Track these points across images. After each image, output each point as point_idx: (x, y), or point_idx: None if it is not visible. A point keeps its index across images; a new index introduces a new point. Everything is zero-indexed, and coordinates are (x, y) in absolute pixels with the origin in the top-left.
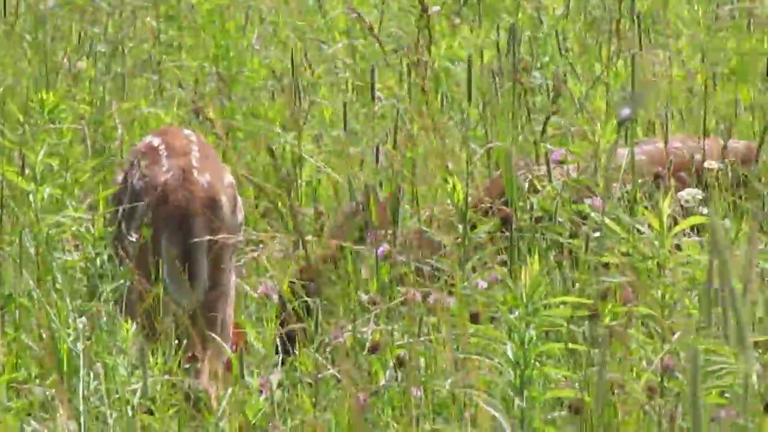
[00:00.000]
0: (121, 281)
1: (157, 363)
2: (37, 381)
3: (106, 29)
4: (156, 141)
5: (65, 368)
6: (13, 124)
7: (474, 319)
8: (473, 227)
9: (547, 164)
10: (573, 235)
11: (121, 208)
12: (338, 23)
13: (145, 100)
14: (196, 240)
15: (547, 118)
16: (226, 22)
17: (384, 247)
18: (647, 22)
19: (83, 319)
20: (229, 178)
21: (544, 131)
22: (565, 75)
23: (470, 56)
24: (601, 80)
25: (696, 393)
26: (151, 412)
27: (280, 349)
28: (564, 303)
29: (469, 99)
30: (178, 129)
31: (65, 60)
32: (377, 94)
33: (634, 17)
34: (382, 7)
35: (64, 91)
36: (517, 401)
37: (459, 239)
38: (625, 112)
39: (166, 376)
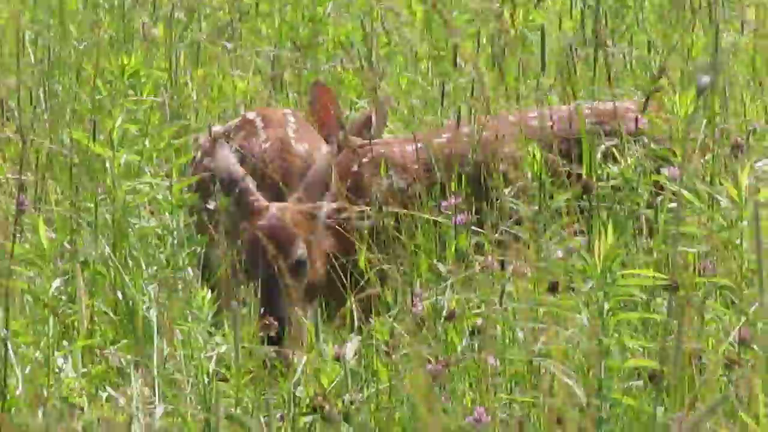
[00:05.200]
0: (198, 248)
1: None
2: (113, 347)
3: None
4: (251, 115)
5: (141, 335)
6: (89, 90)
7: (553, 288)
8: (551, 196)
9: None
10: (650, 206)
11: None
12: None
13: (221, 67)
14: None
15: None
16: None
17: (463, 216)
18: None
19: (158, 286)
20: (326, 148)
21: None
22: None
23: (542, 26)
24: (678, 50)
25: None
26: (226, 379)
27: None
28: (641, 273)
29: (543, 68)
30: (274, 108)
31: (141, 26)
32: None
33: None
34: None
35: (142, 58)
36: (593, 371)
37: (537, 208)
38: (704, 80)
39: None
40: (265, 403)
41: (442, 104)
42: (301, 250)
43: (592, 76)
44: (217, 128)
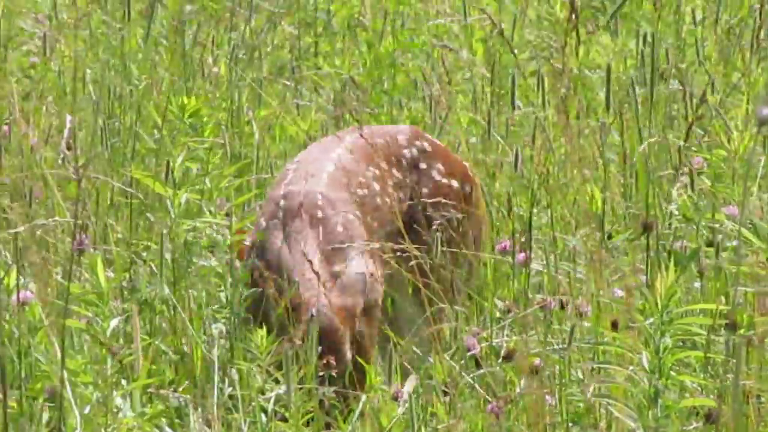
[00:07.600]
0: (257, 288)
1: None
2: (172, 387)
3: (244, 35)
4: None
5: (200, 374)
6: (149, 129)
7: (613, 327)
8: (610, 236)
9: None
10: (710, 244)
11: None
12: (475, 31)
13: (283, 106)
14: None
15: (691, 125)
16: (363, 29)
17: (523, 255)
18: None
19: (219, 325)
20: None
21: (687, 137)
22: (709, 82)
23: (609, 64)
24: (738, 88)
25: None
26: (285, 420)
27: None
28: (701, 311)
29: (608, 107)
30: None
31: (202, 64)
32: (517, 102)
33: None
34: (520, 16)
35: (204, 97)
36: (652, 410)
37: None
38: (765, 111)
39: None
40: None
41: (489, 136)
42: (349, 354)
43: (649, 114)
44: None
